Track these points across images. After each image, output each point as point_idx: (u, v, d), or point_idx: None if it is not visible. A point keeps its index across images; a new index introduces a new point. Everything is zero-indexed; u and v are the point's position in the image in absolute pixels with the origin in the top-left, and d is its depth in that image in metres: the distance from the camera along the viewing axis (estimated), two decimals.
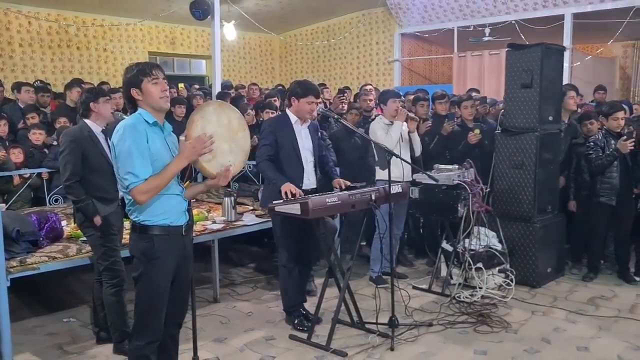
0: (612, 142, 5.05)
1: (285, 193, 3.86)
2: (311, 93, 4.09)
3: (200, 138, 2.68)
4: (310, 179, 4.20)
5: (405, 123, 5.05)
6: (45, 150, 5.87)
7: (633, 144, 4.89)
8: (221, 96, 7.22)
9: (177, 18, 10.34)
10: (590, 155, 5.08)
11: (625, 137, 4.92)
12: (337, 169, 5.59)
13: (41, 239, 3.91)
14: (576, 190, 5.43)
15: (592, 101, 8.09)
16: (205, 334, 4.04)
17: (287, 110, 4.25)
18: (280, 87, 9.39)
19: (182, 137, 2.72)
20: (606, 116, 5.16)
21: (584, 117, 5.50)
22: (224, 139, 2.87)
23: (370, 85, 7.88)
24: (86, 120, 3.71)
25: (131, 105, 2.76)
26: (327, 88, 8.93)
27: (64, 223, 4.38)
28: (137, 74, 2.69)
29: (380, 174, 5.02)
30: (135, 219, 2.71)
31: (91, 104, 3.69)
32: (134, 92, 2.69)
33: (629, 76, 11.92)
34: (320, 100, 4.23)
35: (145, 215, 2.68)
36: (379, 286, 4.77)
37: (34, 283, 4.51)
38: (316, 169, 4.29)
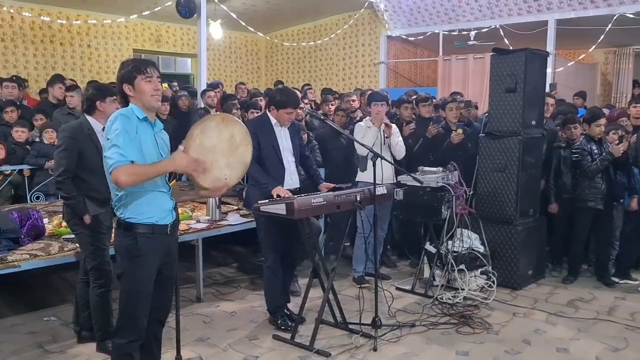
0: (594, 147, 5.18)
1: (277, 196, 3.89)
2: (290, 105, 4.14)
3: (198, 161, 2.68)
4: (292, 179, 4.23)
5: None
6: (28, 147, 5.79)
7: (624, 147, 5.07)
8: (205, 92, 7.21)
9: (163, 15, 10.27)
10: (581, 161, 5.16)
11: (617, 141, 5.06)
12: (322, 170, 5.65)
13: (22, 236, 3.85)
14: (556, 194, 5.51)
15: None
16: (188, 333, 4.02)
17: (268, 113, 4.29)
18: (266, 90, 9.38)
19: (180, 147, 2.73)
20: (588, 122, 5.28)
21: (568, 120, 5.58)
22: (223, 153, 2.88)
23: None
24: (88, 117, 3.61)
25: (123, 100, 2.75)
26: (312, 89, 8.92)
27: (45, 220, 4.33)
28: (131, 70, 2.69)
29: (360, 176, 5.07)
30: (121, 215, 2.70)
31: (97, 102, 3.58)
32: (126, 88, 2.69)
33: (610, 82, 12.11)
34: (299, 108, 4.32)
35: (131, 213, 2.67)
36: (361, 286, 4.81)
37: (14, 281, 4.46)
38: (298, 168, 4.31)
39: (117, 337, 2.81)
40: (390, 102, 6.66)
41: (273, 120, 4.20)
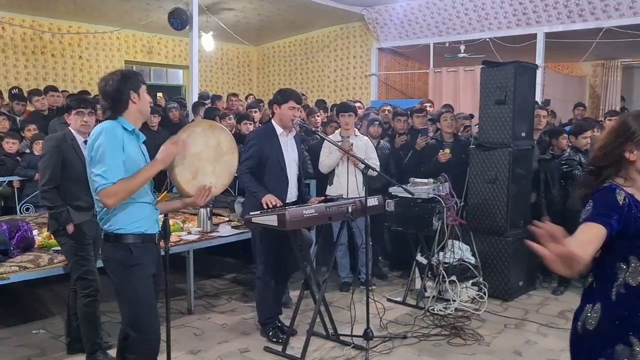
0: (582, 157, 5.25)
1: (266, 204, 3.85)
2: (292, 98, 4.12)
3: (176, 142, 2.69)
4: (292, 193, 4.21)
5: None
6: (18, 158, 5.76)
7: None
8: (196, 106, 7.21)
9: (155, 27, 10.28)
10: (573, 171, 5.19)
11: None
12: (314, 181, 5.67)
13: (12, 248, 3.83)
14: (547, 206, 5.52)
15: (571, 119, 8.33)
16: (179, 345, 4.00)
17: (272, 121, 4.24)
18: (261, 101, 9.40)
19: (163, 147, 2.71)
20: (575, 135, 5.35)
21: (555, 132, 5.63)
22: (209, 160, 2.87)
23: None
24: (73, 129, 3.70)
25: (116, 110, 2.67)
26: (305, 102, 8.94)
27: (35, 232, 4.30)
28: (138, 79, 2.69)
29: (329, 189, 5.15)
30: (109, 228, 2.66)
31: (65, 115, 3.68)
32: (134, 96, 2.66)
33: (598, 95, 12.23)
34: (301, 106, 4.31)
35: (119, 224, 2.65)
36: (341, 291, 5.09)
37: (3, 293, 4.42)
38: (299, 181, 4.29)
39: (131, 354, 2.77)
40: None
41: (279, 130, 4.15)
